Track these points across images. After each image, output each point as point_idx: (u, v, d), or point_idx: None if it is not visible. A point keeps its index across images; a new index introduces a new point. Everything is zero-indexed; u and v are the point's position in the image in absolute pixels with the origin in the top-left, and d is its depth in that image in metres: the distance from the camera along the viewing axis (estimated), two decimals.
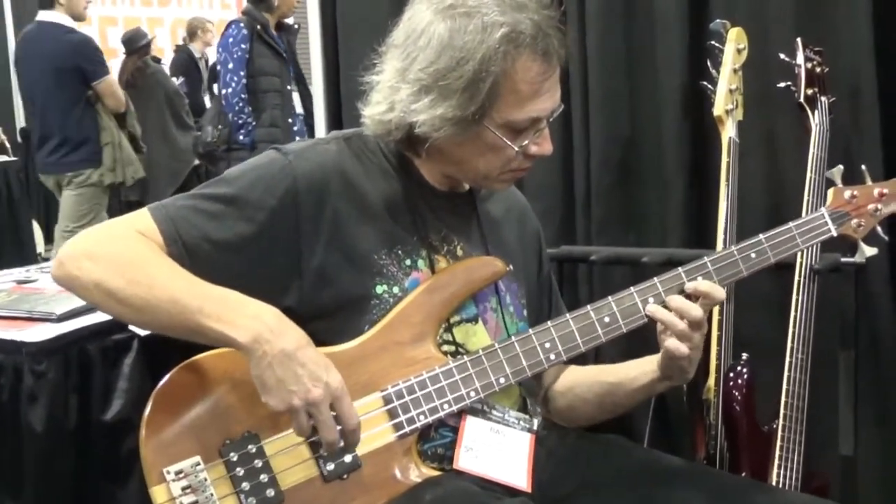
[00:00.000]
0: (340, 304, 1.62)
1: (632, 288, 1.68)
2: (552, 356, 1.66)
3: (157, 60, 8.20)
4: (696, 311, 1.64)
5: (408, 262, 1.68)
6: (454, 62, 1.54)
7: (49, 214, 8.56)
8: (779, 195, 2.62)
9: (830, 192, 1.83)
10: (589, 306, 1.67)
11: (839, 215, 1.79)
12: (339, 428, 1.47)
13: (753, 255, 1.72)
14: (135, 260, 1.53)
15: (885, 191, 1.82)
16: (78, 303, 2.15)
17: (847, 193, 1.81)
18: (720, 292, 1.67)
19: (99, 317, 2.12)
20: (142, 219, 1.59)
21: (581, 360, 1.74)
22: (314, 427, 1.46)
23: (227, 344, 1.47)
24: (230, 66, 5.10)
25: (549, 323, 1.67)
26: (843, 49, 2.46)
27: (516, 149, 1.61)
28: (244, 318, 1.46)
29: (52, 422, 2.00)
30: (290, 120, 5.20)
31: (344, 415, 1.47)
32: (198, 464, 1.52)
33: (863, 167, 1.86)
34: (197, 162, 7.36)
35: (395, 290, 1.65)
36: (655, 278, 1.68)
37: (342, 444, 1.49)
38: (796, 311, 2.23)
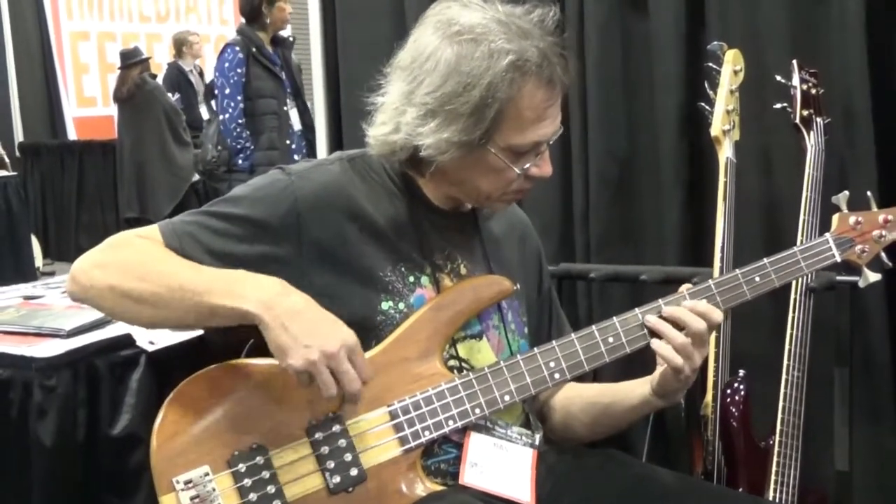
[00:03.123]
0: (347, 320, 1.62)
1: (636, 309, 1.70)
2: (556, 375, 1.68)
3: (154, 77, 8.24)
4: (698, 322, 1.65)
5: (411, 278, 1.70)
6: (461, 87, 1.57)
7: (47, 229, 8.60)
8: (775, 214, 2.66)
9: (836, 217, 1.84)
10: (594, 326, 1.70)
11: (844, 241, 1.81)
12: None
13: (758, 279, 1.74)
14: (142, 259, 1.59)
15: (891, 217, 1.84)
16: (86, 319, 2.17)
17: (852, 219, 1.83)
18: (717, 315, 1.68)
19: (107, 332, 2.14)
20: (148, 233, 1.65)
21: (581, 376, 1.76)
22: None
23: (241, 316, 1.52)
24: (227, 91, 5.11)
25: (553, 342, 1.69)
26: (837, 71, 2.49)
27: (518, 171, 1.64)
28: (251, 290, 1.52)
29: (60, 436, 2.00)
30: (287, 141, 5.21)
31: (359, 367, 1.52)
32: (206, 474, 1.55)
33: (868, 193, 1.88)
34: (196, 177, 7.39)
35: (401, 306, 1.68)
36: (660, 300, 1.70)
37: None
38: (792, 328, 2.25)
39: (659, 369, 1.71)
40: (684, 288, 1.73)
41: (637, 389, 1.80)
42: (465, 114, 1.57)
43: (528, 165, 1.65)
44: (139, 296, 1.56)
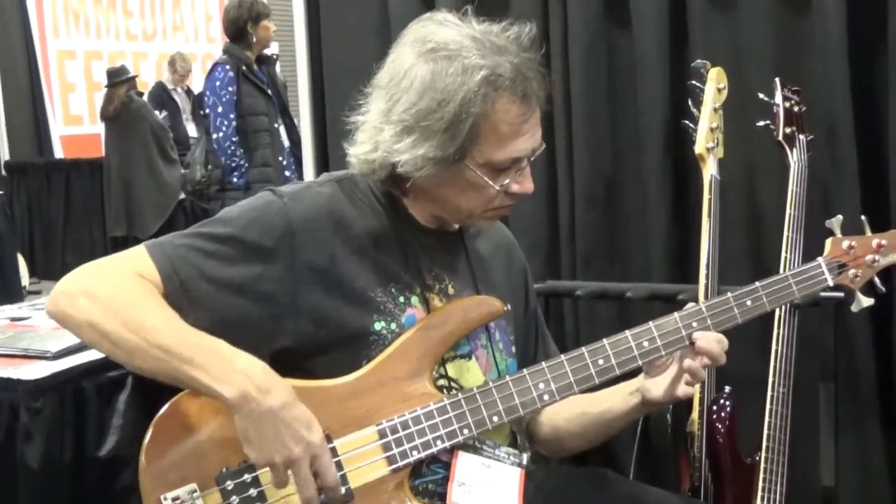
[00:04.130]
0: (339, 341, 1.65)
1: (627, 331, 1.70)
2: (546, 397, 1.68)
3: (141, 95, 8.25)
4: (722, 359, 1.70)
5: (402, 299, 1.70)
6: (435, 103, 1.58)
7: (34, 247, 8.58)
8: (759, 231, 2.67)
9: (829, 241, 1.84)
10: (584, 348, 1.70)
11: (836, 265, 1.81)
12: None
13: (749, 303, 1.74)
14: (130, 303, 1.54)
15: (884, 242, 1.84)
16: (72, 341, 2.17)
17: (845, 244, 1.83)
18: (722, 359, 1.71)
19: (93, 354, 2.13)
20: (139, 257, 1.61)
21: None
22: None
23: (215, 398, 1.49)
24: (219, 109, 5.10)
25: (543, 364, 1.69)
26: (820, 88, 2.52)
27: (497, 188, 1.65)
28: (233, 374, 1.48)
29: (47, 458, 2.01)
30: (280, 158, 5.23)
31: (322, 472, 1.51)
32: (194, 491, 1.55)
33: (862, 217, 1.88)
34: (183, 195, 7.39)
35: (393, 326, 1.68)
36: (651, 322, 1.70)
37: (323, 499, 1.53)
38: (777, 344, 2.26)
39: (654, 379, 1.73)
40: (699, 303, 1.75)
41: (626, 400, 1.80)
42: (440, 130, 1.58)
43: (507, 182, 1.66)
44: (117, 341, 1.53)
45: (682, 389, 1.71)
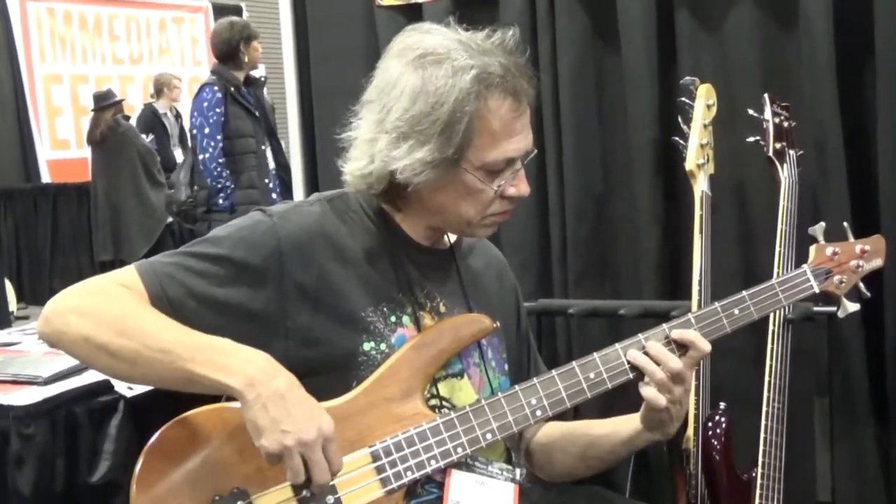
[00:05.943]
0: (328, 361, 1.64)
1: (617, 344, 1.70)
2: (538, 412, 1.67)
3: (127, 119, 8.24)
4: (674, 361, 1.66)
5: (392, 318, 1.70)
6: (429, 107, 1.58)
7: (21, 272, 8.55)
8: (751, 246, 2.68)
9: (813, 248, 1.85)
10: (574, 363, 1.69)
11: (821, 272, 1.82)
12: None
13: (737, 312, 1.74)
14: (123, 313, 1.54)
15: (867, 247, 1.85)
16: (64, 365, 2.16)
17: (829, 250, 1.84)
18: (706, 345, 1.69)
19: (85, 379, 2.13)
20: (127, 275, 1.61)
21: (562, 413, 1.76)
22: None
23: (222, 390, 1.49)
24: (206, 130, 5.10)
25: (534, 379, 1.69)
26: (808, 103, 2.52)
27: (494, 188, 1.65)
28: (237, 364, 1.48)
29: (39, 485, 1.99)
30: (266, 180, 5.22)
31: (331, 458, 1.49)
32: None
33: (844, 224, 1.89)
34: (170, 219, 7.37)
35: (383, 346, 1.67)
36: (640, 335, 1.70)
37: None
38: (771, 359, 2.26)
39: (644, 405, 1.72)
40: (688, 314, 1.74)
41: (626, 425, 1.79)
42: (436, 132, 1.58)
43: (502, 183, 1.65)
44: (116, 351, 1.52)
45: (649, 391, 1.67)
